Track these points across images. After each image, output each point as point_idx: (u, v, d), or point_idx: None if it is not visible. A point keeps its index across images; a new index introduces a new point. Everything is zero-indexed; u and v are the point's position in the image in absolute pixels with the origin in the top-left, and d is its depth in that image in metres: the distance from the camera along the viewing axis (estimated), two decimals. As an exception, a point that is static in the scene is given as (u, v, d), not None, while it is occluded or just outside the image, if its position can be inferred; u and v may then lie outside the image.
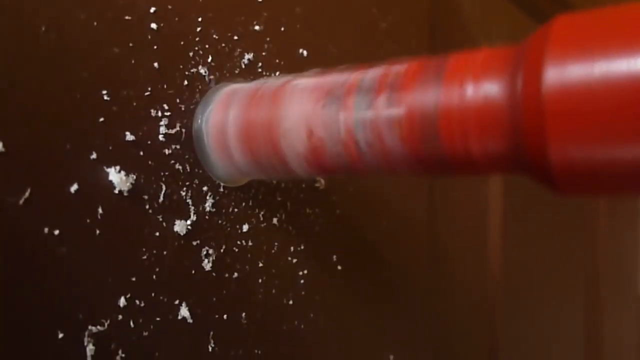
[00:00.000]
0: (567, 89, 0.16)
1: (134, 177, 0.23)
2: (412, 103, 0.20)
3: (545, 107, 0.16)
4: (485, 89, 0.18)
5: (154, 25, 0.24)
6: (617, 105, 0.15)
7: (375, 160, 0.21)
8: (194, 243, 0.25)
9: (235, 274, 0.27)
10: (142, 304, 0.23)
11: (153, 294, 0.24)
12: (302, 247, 0.31)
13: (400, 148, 0.20)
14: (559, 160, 0.16)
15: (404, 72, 0.21)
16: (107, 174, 0.22)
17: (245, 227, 0.28)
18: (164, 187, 0.24)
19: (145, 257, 0.23)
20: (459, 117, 0.18)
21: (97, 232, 0.22)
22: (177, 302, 0.24)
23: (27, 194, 0.20)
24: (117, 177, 0.22)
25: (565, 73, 0.16)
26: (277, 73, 0.30)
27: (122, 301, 0.22)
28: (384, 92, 0.20)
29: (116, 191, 0.22)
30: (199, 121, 0.26)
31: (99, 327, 0.22)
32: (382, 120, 0.20)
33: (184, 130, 0.25)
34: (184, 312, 0.25)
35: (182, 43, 0.25)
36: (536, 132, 0.16)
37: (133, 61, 0.24)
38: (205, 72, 0.26)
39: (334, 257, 0.33)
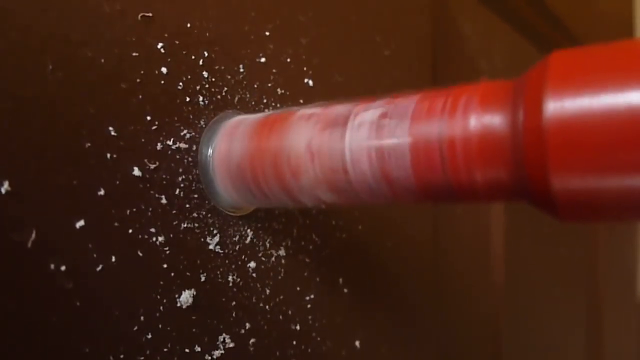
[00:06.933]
0: (566, 122, 0.15)
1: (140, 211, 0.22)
2: (417, 133, 0.19)
3: (546, 140, 0.15)
4: (488, 121, 0.18)
5: (162, 63, 0.23)
6: (615, 138, 0.15)
7: (380, 189, 0.21)
8: (201, 274, 0.24)
9: (242, 303, 0.26)
10: (150, 336, 0.22)
11: (160, 326, 0.22)
12: (309, 273, 0.30)
13: (405, 177, 0.20)
14: (561, 190, 0.16)
15: (408, 103, 0.20)
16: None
17: (252, 256, 0.26)
18: (171, 219, 0.23)
19: (153, 290, 0.22)
20: (463, 148, 0.18)
21: (102, 267, 0.21)
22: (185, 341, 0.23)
23: (33, 235, 0.19)
24: None
25: (564, 106, 0.15)
26: (283, 104, 0.29)
27: (130, 331, 0.21)
28: (389, 122, 0.20)
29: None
30: (205, 152, 0.25)
31: (104, 363, 0.20)
32: (387, 150, 0.20)
33: (190, 161, 0.24)
34: (191, 342, 0.23)
35: (189, 77, 0.24)
36: (538, 163, 0.16)
37: (140, 96, 0.23)
38: (211, 104, 0.25)
39: (340, 280, 0.32)
